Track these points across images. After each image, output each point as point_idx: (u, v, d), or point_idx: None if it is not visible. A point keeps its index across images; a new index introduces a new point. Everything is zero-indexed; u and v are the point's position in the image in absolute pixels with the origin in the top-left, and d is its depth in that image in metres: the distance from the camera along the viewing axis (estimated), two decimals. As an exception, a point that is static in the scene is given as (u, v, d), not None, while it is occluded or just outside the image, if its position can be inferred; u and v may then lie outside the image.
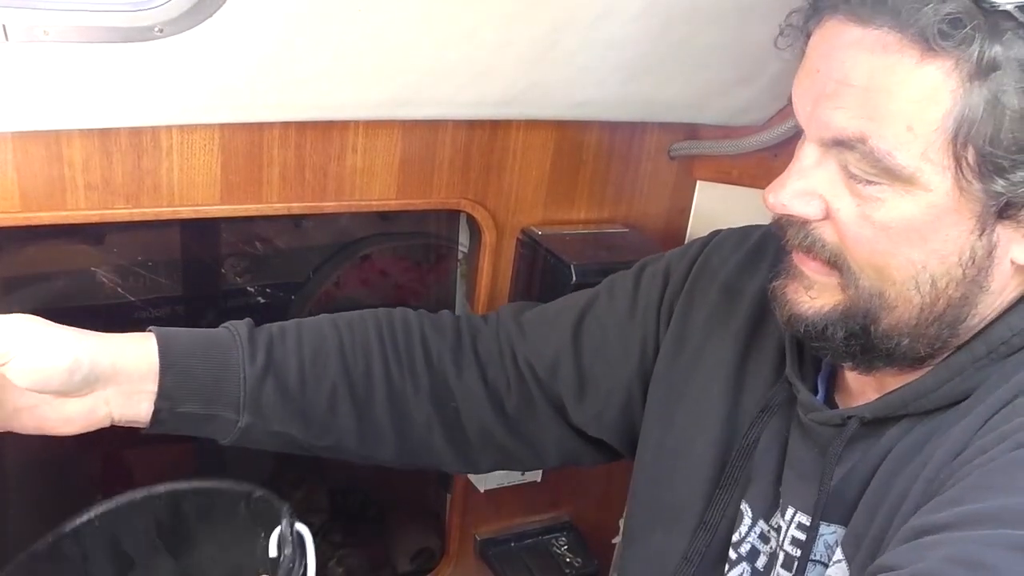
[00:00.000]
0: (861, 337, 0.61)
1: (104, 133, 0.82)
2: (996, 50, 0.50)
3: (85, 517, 0.79)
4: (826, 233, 0.60)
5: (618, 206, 1.14)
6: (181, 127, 0.84)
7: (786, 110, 1.03)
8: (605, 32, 0.85)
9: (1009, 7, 0.49)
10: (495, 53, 0.85)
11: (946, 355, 0.61)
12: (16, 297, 1.02)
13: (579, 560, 1.23)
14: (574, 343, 0.84)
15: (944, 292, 0.57)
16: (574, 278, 1.01)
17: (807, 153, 0.59)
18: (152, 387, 0.72)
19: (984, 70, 0.50)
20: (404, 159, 0.97)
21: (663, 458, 0.79)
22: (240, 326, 0.79)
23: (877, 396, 0.65)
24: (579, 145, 1.07)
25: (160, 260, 1.12)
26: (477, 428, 0.85)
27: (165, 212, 0.88)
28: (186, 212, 0.89)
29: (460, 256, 1.21)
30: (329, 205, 0.96)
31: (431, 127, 0.97)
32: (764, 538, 0.71)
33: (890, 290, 0.59)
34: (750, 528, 0.72)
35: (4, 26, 0.67)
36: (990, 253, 0.56)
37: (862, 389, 0.69)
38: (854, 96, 0.54)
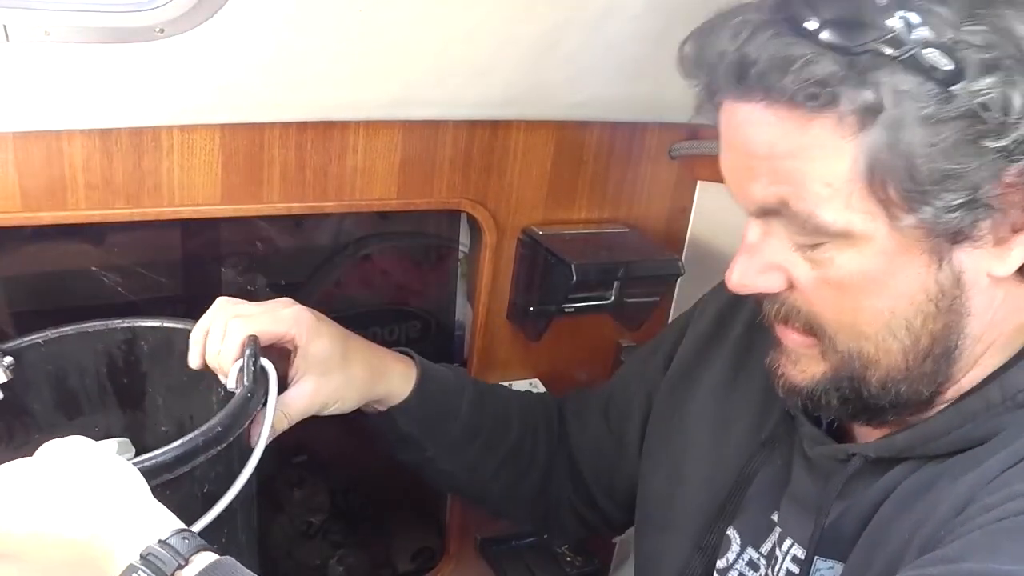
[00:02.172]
0: (857, 400, 0.61)
1: (105, 133, 0.82)
2: (874, 91, 0.49)
3: (31, 339, 0.76)
4: (798, 300, 0.60)
5: (619, 206, 1.14)
6: (182, 127, 0.84)
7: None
8: (606, 32, 0.85)
9: (876, 46, 0.49)
10: (495, 53, 0.85)
11: (958, 394, 0.60)
12: (16, 297, 1.02)
13: (579, 560, 1.23)
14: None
15: (924, 330, 0.57)
16: (575, 278, 1.01)
17: (751, 229, 0.60)
18: (389, 404, 0.83)
19: (870, 114, 0.50)
20: (405, 159, 0.97)
21: (662, 482, 0.81)
22: (465, 377, 0.91)
23: (886, 431, 0.64)
24: (580, 145, 1.07)
25: (160, 260, 1.12)
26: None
27: (165, 212, 0.88)
28: (186, 212, 0.89)
29: (461, 256, 1.21)
30: (330, 205, 0.96)
31: (432, 127, 0.97)
32: (753, 565, 0.71)
33: (867, 346, 0.58)
34: (738, 555, 0.72)
35: (5, 26, 0.67)
36: (958, 280, 0.55)
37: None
38: (764, 167, 0.55)
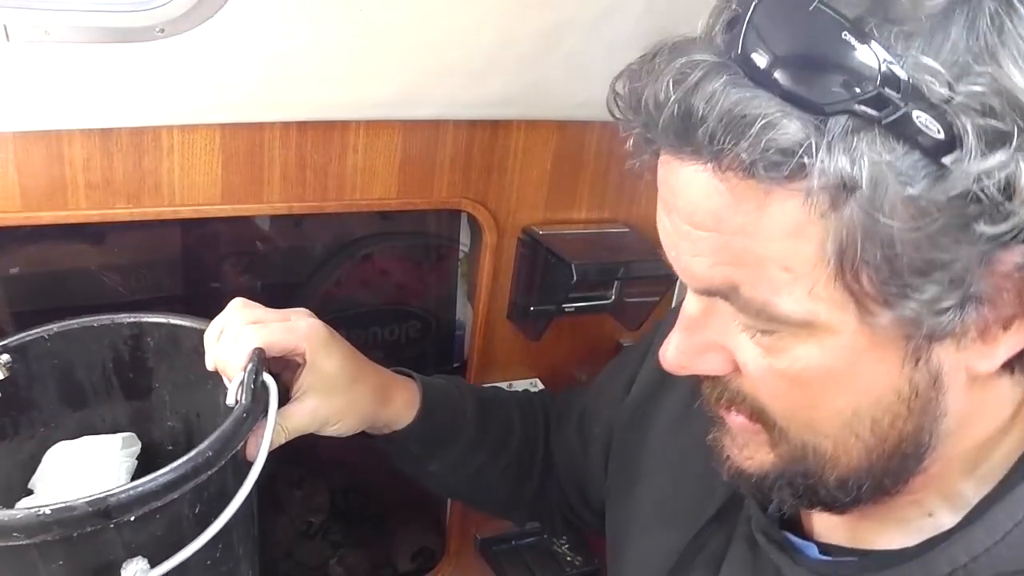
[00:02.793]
0: (810, 495, 0.52)
1: (105, 133, 0.82)
2: (850, 162, 0.39)
3: (36, 332, 0.76)
4: (744, 386, 0.51)
5: (619, 206, 1.14)
6: (182, 127, 0.84)
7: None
8: (606, 32, 0.85)
9: (853, 106, 0.38)
10: (495, 53, 0.85)
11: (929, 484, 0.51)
12: (16, 297, 1.02)
13: (579, 559, 1.23)
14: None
15: (891, 430, 0.48)
16: (575, 278, 1.01)
17: (691, 302, 0.50)
18: (393, 428, 0.81)
19: (844, 190, 0.39)
20: (405, 159, 0.97)
21: (619, 527, 0.79)
22: (466, 390, 0.89)
23: (852, 522, 0.56)
24: (580, 145, 1.07)
25: (160, 260, 1.12)
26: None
27: (166, 212, 0.88)
28: (187, 212, 0.89)
29: (461, 256, 1.21)
30: (330, 205, 0.96)
31: (432, 127, 0.97)
32: None
33: (824, 443, 0.49)
34: None
35: (5, 26, 0.67)
36: (935, 382, 0.46)
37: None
38: (709, 243, 0.44)
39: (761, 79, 0.40)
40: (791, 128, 0.39)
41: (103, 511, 0.57)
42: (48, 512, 0.56)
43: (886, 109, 0.38)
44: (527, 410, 0.94)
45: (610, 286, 1.12)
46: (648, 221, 1.16)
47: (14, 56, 0.69)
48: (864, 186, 0.39)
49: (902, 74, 0.38)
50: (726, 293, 0.46)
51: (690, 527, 0.67)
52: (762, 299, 0.44)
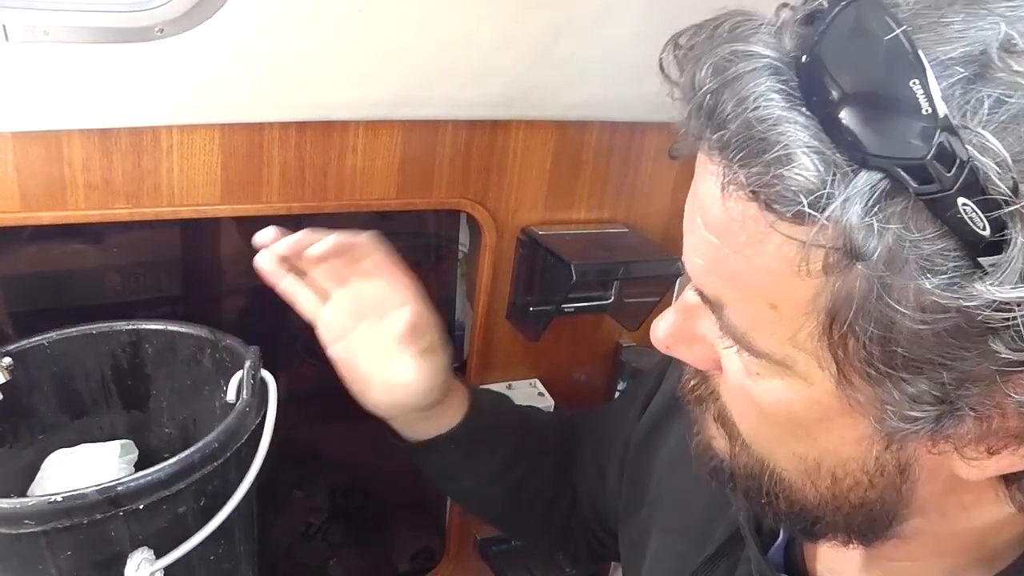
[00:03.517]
0: (766, 508, 0.48)
1: (104, 133, 0.82)
2: (868, 231, 0.33)
3: (35, 340, 0.77)
4: (720, 390, 0.48)
5: (618, 206, 1.14)
6: (181, 127, 0.84)
7: (786, 110, 1.03)
8: (605, 32, 0.85)
9: (897, 170, 0.33)
10: (495, 53, 0.85)
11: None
12: (16, 297, 1.02)
13: (579, 560, 1.23)
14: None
15: (851, 492, 0.44)
16: (574, 278, 1.01)
17: (691, 293, 0.47)
18: (441, 430, 0.80)
19: (851, 257, 0.34)
20: (404, 159, 0.97)
21: (630, 551, 0.78)
22: (507, 403, 0.90)
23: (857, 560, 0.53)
24: (579, 145, 1.07)
25: (159, 260, 1.12)
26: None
27: (165, 212, 0.88)
28: (186, 212, 0.89)
29: (460, 256, 1.21)
30: (329, 205, 0.96)
31: (431, 127, 0.97)
32: None
33: (782, 472, 0.46)
34: None
35: (4, 26, 0.67)
36: (903, 471, 0.42)
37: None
38: (711, 250, 0.41)
39: (811, 98, 0.34)
40: (808, 169, 0.34)
41: (112, 498, 0.58)
42: (59, 499, 0.57)
43: (930, 185, 0.32)
44: (561, 432, 0.92)
45: (609, 286, 1.12)
46: (648, 221, 1.17)
47: (13, 56, 0.69)
48: (876, 259, 0.34)
49: (962, 152, 0.32)
50: (713, 306, 0.43)
51: (690, 563, 0.65)
52: (743, 327, 0.41)
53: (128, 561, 0.61)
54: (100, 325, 0.80)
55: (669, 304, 1.20)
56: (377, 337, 0.76)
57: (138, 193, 0.86)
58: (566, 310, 1.09)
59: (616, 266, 1.07)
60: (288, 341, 1.25)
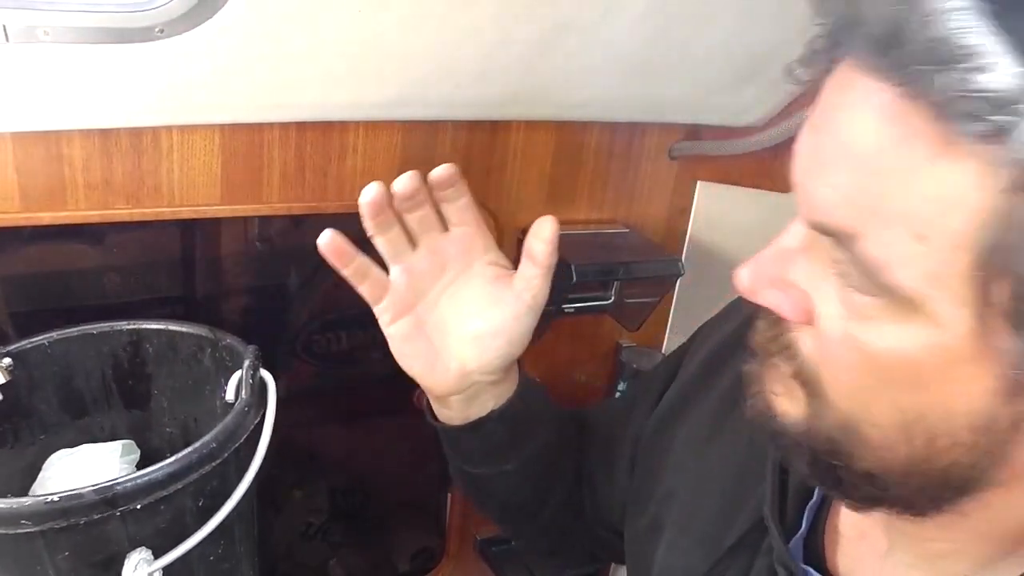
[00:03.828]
0: (827, 474, 0.46)
1: (104, 133, 0.82)
2: None
3: (36, 340, 0.77)
4: (803, 342, 0.45)
5: (618, 206, 1.14)
6: (181, 127, 0.84)
7: (787, 110, 1.03)
8: (606, 32, 0.85)
9: None
10: (495, 53, 0.85)
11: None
12: (16, 297, 1.02)
13: (579, 560, 1.23)
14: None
15: (944, 454, 0.41)
16: (574, 278, 1.01)
17: (793, 231, 0.45)
18: (500, 401, 0.76)
19: None
20: (405, 159, 0.97)
21: (639, 543, 0.76)
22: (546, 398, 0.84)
23: (876, 568, 0.51)
24: (579, 145, 1.07)
25: (160, 260, 1.12)
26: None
27: (165, 212, 0.88)
28: (186, 212, 0.89)
29: (460, 256, 1.21)
30: (330, 205, 0.96)
31: (431, 127, 0.97)
32: None
33: (871, 432, 0.43)
34: None
35: (4, 26, 0.66)
36: (1017, 426, 0.39)
37: (861, 532, 0.54)
38: (852, 174, 0.38)
39: (1003, 14, 0.32)
40: (1008, 78, 0.32)
41: (109, 499, 0.58)
42: (56, 499, 0.57)
43: None
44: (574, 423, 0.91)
45: (610, 287, 1.12)
46: (648, 221, 1.17)
47: (13, 56, 0.69)
48: None
49: None
50: (842, 238, 0.39)
51: (710, 554, 0.63)
52: (880, 260, 0.38)
53: (126, 561, 0.61)
54: (100, 325, 0.80)
55: (670, 305, 1.21)
56: (467, 287, 0.73)
57: (138, 193, 0.86)
58: (566, 310, 1.09)
59: (616, 266, 1.07)
60: (288, 341, 1.25)
